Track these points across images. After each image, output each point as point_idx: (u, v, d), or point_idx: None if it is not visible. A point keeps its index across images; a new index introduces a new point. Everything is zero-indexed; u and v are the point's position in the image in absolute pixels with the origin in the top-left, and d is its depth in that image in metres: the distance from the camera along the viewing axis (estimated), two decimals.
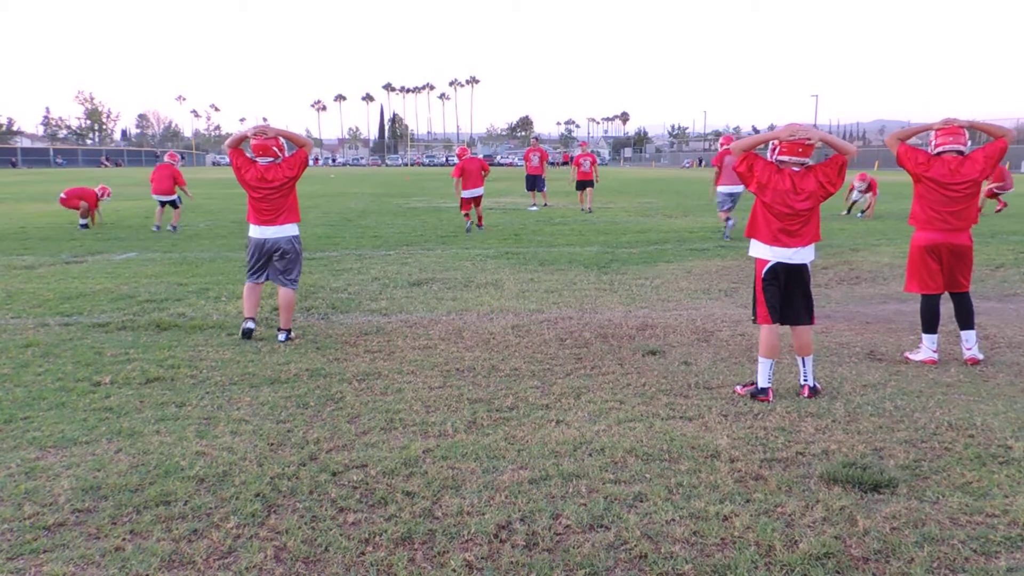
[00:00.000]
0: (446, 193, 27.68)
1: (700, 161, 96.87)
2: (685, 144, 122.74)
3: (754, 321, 4.88)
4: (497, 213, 18.86)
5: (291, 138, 6.41)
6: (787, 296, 4.76)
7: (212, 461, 3.82)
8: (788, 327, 4.97)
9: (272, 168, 6.18)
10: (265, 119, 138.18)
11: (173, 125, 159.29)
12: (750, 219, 4.80)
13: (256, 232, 6.22)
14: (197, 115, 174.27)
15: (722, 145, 14.45)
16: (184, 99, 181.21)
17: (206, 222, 16.62)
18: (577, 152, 22.13)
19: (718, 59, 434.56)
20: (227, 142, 6.27)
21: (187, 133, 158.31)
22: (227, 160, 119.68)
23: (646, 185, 36.31)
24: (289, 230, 6.29)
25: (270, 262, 6.29)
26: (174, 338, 6.29)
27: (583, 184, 21.03)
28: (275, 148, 6.21)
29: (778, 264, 4.70)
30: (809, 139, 4.64)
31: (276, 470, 3.70)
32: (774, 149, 4.75)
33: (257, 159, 6.19)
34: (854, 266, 10.10)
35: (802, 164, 4.70)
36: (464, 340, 6.26)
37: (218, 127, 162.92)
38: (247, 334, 6.22)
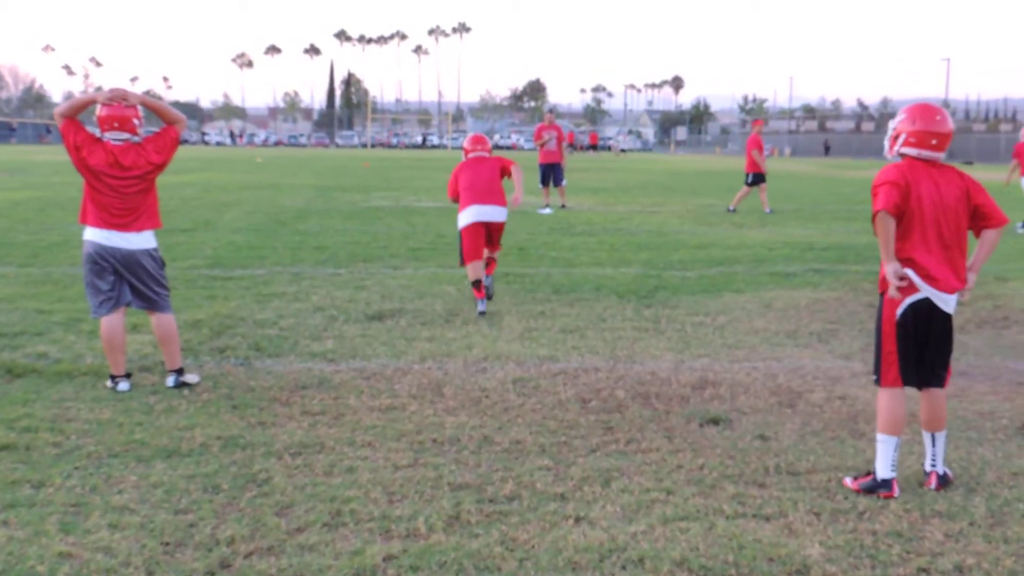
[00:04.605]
0: (422, 187, 27.88)
1: (831, 145, 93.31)
2: (764, 122, 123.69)
3: (876, 382, 4.91)
4: None
5: (157, 110, 6.49)
6: (927, 349, 4.80)
7: (82, 567, 3.81)
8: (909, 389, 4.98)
9: (130, 150, 6.26)
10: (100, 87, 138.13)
11: (37, 85, 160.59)
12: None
13: (101, 238, 6.28)
14: (71, 72, 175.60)
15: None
16: (52, 50, 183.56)
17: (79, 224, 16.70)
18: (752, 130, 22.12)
19: (810, 5, 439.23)
20: (60, 108, 6.28)
21: (55, 97, 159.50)
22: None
23: (707, 180, 36.52)
24: (147, 240, 6.39)
25: (123, 281, 6.36)
26: (31, 389, 6.31)
27: (760, 177, 20.91)
28: (135, 121, 6.30)
29: (924, 303, 4.73)
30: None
31: None
32: (898, 137, 4.84)
33: (106, 135, 6.25)
34: (1001, 302, 10.13)
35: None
36: (444, 399, 6.28)
37: (99, 88, 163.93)
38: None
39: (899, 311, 4.76)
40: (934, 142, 4.75)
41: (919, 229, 4.72)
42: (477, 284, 9.04)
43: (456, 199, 9.55)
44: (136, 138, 6.30)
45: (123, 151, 6.22)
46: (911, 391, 4.92)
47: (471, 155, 9.75)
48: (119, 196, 6.23)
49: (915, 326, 4.76)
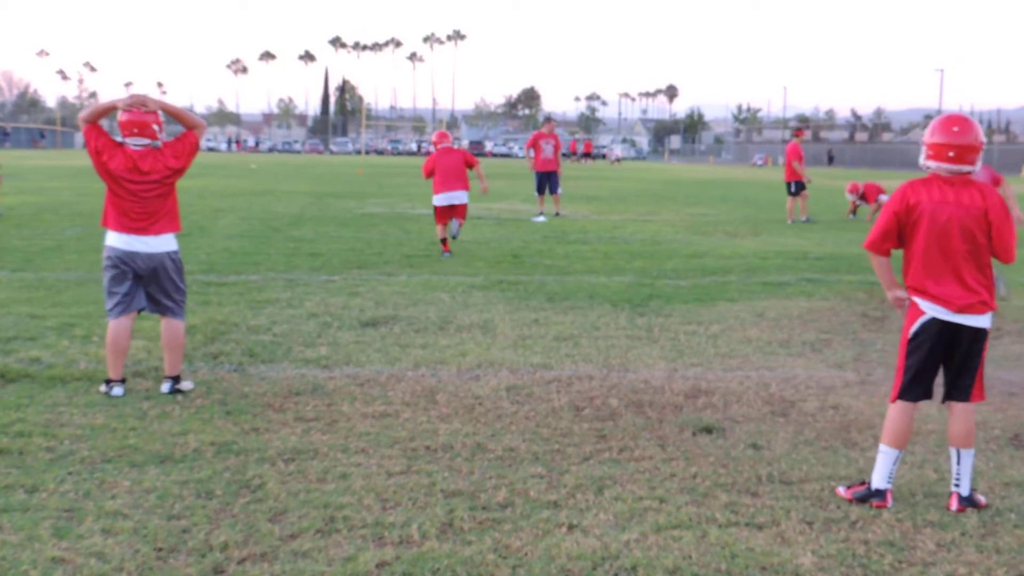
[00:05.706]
0: (417, 194, 27.87)
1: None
2: (757, 132, 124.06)
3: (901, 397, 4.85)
4: (488, 224, 18.96)
5: (176, 115, 6.54)
6: (949, 364, 4.79)
7: (75, 572, 3.81)
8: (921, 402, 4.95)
9: (149, 155, 6.31)
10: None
11: (31, 90, 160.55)
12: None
13: (121, 243, 6.32)
14: (65, 77, 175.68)
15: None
16: (47, 55, 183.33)
17: (74, 229, 16.71)
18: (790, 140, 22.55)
19: (803, 16, 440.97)
20: (84, 114, 6.35)
21: (50, 102, 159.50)
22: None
23: (701, 189, 36.60)
24: (167, 243, 6.43)
25: (140, 286, 6.39)
26: (24, 393, 6.30)
27: (800, 186, 21.77)
28: (155, 127, 6.35)
29: (933, 323, 4.70)
30: None
31: None
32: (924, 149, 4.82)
33: (127, 140, 6.30)
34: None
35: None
36: (438, 406, 6.29)
37: (94, 94, 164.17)
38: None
39: (911, 330, 4.78)
40: (951, 154, 4.65)
41: (923, 249, 4.69)
42: (444, 242, 13.57)
43: (430, 177, 13.73)
44: (156, 143, 6.35)
45: (142, 156, 6.27)
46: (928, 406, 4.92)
47: (440, 146, 13.73)
48: (139, 200, 6.28)
49: (928, 345, 4.73)
